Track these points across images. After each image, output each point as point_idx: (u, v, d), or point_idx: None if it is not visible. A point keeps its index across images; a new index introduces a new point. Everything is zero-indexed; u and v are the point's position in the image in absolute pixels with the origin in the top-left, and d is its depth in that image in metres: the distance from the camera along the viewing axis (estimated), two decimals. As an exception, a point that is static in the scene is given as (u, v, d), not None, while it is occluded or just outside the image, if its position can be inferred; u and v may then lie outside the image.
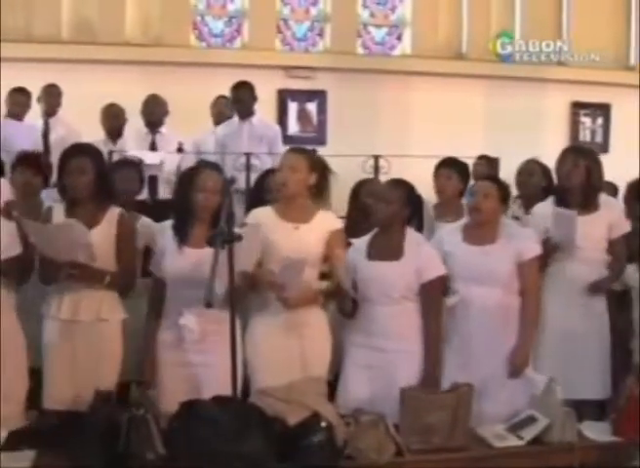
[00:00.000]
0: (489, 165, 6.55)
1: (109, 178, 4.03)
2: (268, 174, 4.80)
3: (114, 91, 7.21)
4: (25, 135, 6.55)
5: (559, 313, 4.42)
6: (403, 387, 3.69)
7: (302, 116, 8.84)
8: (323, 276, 4.04)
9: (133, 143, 6.67)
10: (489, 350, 4.05)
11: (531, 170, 5.22)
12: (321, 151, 6.23)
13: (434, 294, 4.02)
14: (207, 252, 3.37)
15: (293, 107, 8.80)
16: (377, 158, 6.74)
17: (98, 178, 3.85)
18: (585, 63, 8.53)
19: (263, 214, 4.04)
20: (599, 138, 9.64)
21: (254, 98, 6.74)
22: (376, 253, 4.05)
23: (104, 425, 3.32)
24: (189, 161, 5.87)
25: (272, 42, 8.93)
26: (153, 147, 6.67)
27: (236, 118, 6.76)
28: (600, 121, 9.63)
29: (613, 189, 6.08)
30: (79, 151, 3.95)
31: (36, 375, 3.88)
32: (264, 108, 7.34)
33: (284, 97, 8.74)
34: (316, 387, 3.70)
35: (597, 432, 3.87)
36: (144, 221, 4.57)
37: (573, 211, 4.38)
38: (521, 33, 9.06)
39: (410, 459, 3.54)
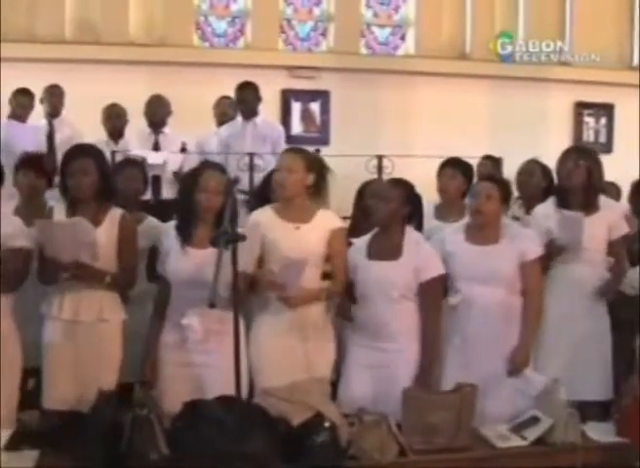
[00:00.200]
0: (494, 165, 6.54)
1: (112, 179, 4.03)
2: (275, 173, 4.79)
3: (117, 91, 7.19)
4: (29, 136, 6.53)
5: (563, 314, 4.42)
6: (405, 387, 3.70)
7: (306, 116, 8.83)
8: (325, 276, 4.04)
9: (136, 143, 6.66)
10: (490, 350, 4.05)
11: (531, 170, 5.20)
12: (324, 151, 6.29)
13: (433, 294, 4.02)
14: (210, 252, 3.37)
15: (296, 107, 8.78)
16: (380, 158, 6.73)
17: (100, 179, 3.86)
18: (587, 63, 8.52)
19: (264, 215, 4.05)
20: (603, 139, 9.61)
21: (258, 99, 6.74)
22: (375, 252, 4.06)
23: (107, 425, 3.33)
24: (192, 161, 5.86)
25: (275, 42, 8.91)
26: (156, 147, 6.66)
27: (240, 118, 6.75)
28: (604, 121, 9.61)
29: (616, 190, 6.07)
30: (82, 152, 3.96)
31: (36, 376, 3.88)
32: (268, 108, 7.33)
33: (287, 97, 8.73)
34: (320, 387, 3.71)
35: (600, 433, 3.88)
36: (151, 221, 4.55)
37: (579, 212, 4.37)
38: (524, 33, 9.06)
39: (413, 459, 3.54)
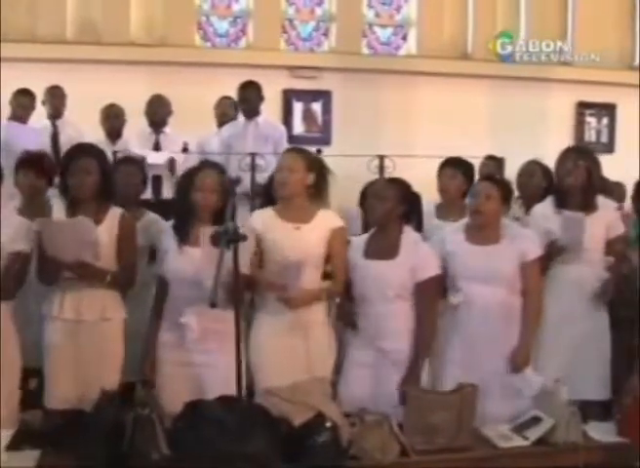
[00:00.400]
0: (496, 165, 6.54)
1: (112, 179, 4.03)
2: (275, 173, 4.78)
3: (118, 91, 7.20)
4: (30, 137, 6.48)
5: (562, 314, 4.41)
6: (407, 387, 3.70)
7: (307, 116, 8.83)
8: (325, 276, 4.04)
9: (136, 143, 6.65)
10: (491, 350, 4.04)
11: (531, 171, 5.20)
12: (326, 151, 6.29)
13: (429, 294, 4.01)
14: (207, 251, 3.36)
15: (298, 107, 8.79)
16: (382, 158, 6.72)
17: (102, 179, 3.87)
18: (588, 63, 8.52)
19: (264, 216, 4.05)
20: (604, 139, 9.62)
21: (260, 98, 6.73)
22: (372, 251, 4.06)
23: (109, 425, 3.33)
24: (193, 161, 5.85)
25: (277, 42, 8.92)
26: (157, 147, 6.66)
27: (241, 118, 6.75)
28: (605, 121, 9.61)
29: (621, 189, 6.06)
30: (84, 152, 3.96)
31: (38, 376, 3.88)
32: (269, 108, 7.33)
33: (289, 97, 8.73)
34: (321, 387, 3.70)
35: (602, 432, 3.88)
36: (151, 217, 4.55)
37: (580, 213, 4.37)
38: (526, 33, 9.06)
39: (415, 459, 3.54)
